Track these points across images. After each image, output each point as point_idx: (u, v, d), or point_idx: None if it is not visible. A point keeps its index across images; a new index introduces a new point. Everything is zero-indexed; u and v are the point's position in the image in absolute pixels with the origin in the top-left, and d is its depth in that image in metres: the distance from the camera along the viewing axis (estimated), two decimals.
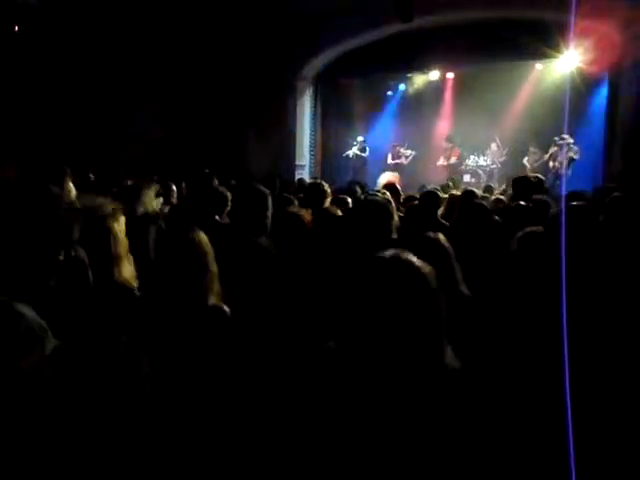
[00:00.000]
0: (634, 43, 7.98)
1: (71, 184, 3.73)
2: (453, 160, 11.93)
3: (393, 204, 3.05)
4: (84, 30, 9.25)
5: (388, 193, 4.20)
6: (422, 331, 1.20)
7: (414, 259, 1.28)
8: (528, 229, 2.29)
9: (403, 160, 12.14)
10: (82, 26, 9.20)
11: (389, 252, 1.28)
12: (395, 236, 2.84)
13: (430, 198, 3.68)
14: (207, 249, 1.86)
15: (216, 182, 4.86)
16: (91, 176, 6.33)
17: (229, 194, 3.78)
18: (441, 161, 12.04)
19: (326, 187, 3.90)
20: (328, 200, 4.02)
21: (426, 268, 1.27)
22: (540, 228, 2.28)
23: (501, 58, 9.91)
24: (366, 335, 1.20)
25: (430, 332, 1.22)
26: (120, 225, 2.15)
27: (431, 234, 2.18)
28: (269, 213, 2.54)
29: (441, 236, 2.17)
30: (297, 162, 11.31)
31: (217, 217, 3.75)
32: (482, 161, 12.13)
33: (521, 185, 3.99)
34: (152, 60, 9.98)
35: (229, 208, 3.76)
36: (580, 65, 9.28)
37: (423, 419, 1.18)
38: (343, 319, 1.26)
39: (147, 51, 9.86)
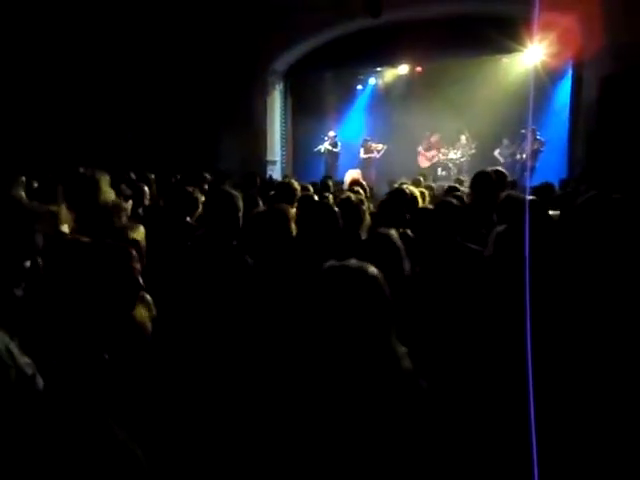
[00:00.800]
0: (594, 36, 8.19)
1: (22, 192, 3.62)
2: (434, 152, 12.23)
3: (365, 204, 3.08)
4: (52, 28, 9.01)
5: (361, 190, 4.23)
6: (373, 336, 1.27)
7: (364, 267, 1.33)
8: (498, 229, 2.33)
9: (375, 154, 12.23)
10: (49, 25, 8.95)
11: (342, 262, 1.35)
12: (364, 237, 2.89)
13: (397, 195, 3.71)
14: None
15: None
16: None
17: (200, 196, 3.77)
18: (420, 149, 12.35)
19: (296, 185, 3.91)
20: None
21: (374, 276, 1.33)
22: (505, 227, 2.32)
23: (468, 52, 10.05)
24: (321, 341, 1.26)
25: (381, 337, 1.29)
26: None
27: (382, 230, 2.23)
28: (240, 214, 2.55)
29: (392, 232, 2.23)
30: (268, 158, 11.26)
31: (188, 219, 3.74)
32: (452, 154, 12.30)
33: (480, 182, 3.93)
34: (119, 58, 9.79)
35: (200, 210, 3.75)
36: (544, 58, 9.48)
37: (378, 419, 1.22)
38: (302, 326, 1.30)
39: (114, 50, 9.67)
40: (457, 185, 6.19)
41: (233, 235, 2.48)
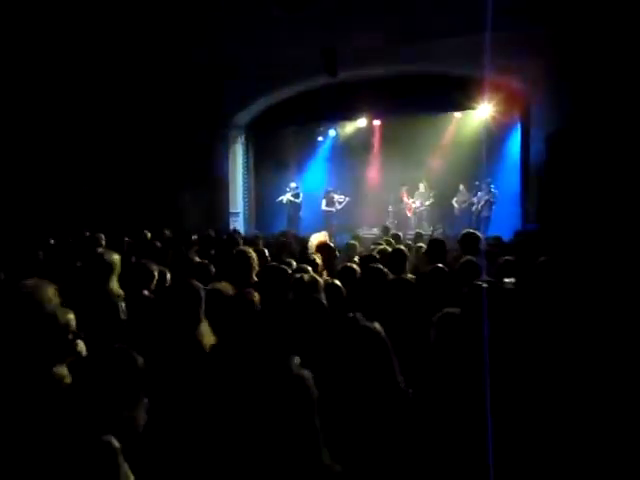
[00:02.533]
0: (541, 95, 8.72)
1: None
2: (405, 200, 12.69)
3: (321, 282, 3.06)
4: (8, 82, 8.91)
5: (318, 260, 4.23)
6: (299, 436, 1.37)
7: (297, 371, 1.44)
8: (445, 311, 2.36)
9: (337, 206, 12.42)
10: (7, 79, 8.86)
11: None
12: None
13: (346, 272, 3.76)
14: None
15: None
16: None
17: (154, 268, 3.69)
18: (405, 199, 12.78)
19: (252, 256, 3.87)
20: (254, 269, 3.99)
21: (305, 381, 1.42)
22: (456, 310, 2.36)
23: (423, 109, 10.50)
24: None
25: (307, 436, 1.38)
26: None
27: (368, 325, 2.13)
28: (203, 306, 2.51)
29: (377, 325, 2.13)
30: (231, 210, 11.26)
31: (145, 292, 3.64)
32: (411, 203, 12.62)
33: (435, 249, 4.15)
34: (78, 113, 9.73)
35: (155, 282, 3.67)
36: (494, 115, 9.97)
37: None
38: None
39: (72, 105, 9.62)
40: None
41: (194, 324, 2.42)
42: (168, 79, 10.14)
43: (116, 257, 3.46)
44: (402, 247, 4.75)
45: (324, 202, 12.45)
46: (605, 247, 4.53)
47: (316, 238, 5.53)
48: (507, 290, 3.29)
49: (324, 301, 2.66)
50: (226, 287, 3.04)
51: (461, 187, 12.06)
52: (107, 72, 9.60)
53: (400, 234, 7.44)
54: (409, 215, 12.68)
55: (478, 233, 4.93)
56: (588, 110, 7.61)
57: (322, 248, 4.82)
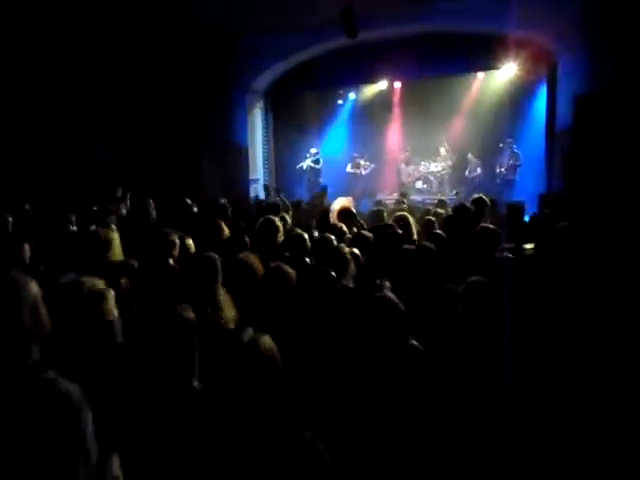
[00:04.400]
0: (568, 55, 8.36)
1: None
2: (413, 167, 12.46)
3: (348, 256, 3.03)
4: (29, 52, 8.92)
5: (344, 227, 4.19)
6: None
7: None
8: (471, 279, 2.36)
9: (362, 171, 12.34)
10: (27, 49, 8.86)
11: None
12: (352, 285, 2.89)
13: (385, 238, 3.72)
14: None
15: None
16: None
17: (176, 238, 3.75)
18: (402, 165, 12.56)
19: (278, 223, 3.90)
20: (280, 235, 4.04)
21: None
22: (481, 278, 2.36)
23: (445, 69, 10.18)
24: None
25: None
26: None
27: (382, 295, 2.19)
28: (220, 278, 2.55)
29: (391, 295, 2.19)
30: (251, 176, 11.27)
31: (170, 261, 3.70)
32: (433, 167, 12.43)
33: (460, 215, 4.06)
34: (98, 82, 9.72)
35: (177, 252, 3.73)
36: (519, 74, 9.64)
37: None
38: None
39: (92, 74, 9.60)
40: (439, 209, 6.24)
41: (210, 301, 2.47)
42: (185, 46, 10.01)
43: (113, 234, 3.51)
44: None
45: (349, 165, 12.38)
46: (628, 219, 4.43)
47: (339, 202, 5.42)
48: (527, 257, 3.28)
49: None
50: (254, 260, 3.04)
51: (469, 156, 11.80)
52: (125, 39, 9.51)
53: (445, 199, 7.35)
54: (407, 180, 12.44)
55: (485, 197, 4.90)
56: (624, 71, 7.16)
57: (344, 214, 4.73)
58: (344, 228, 4.19)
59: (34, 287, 1.51)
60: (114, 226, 4.64)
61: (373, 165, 12.39)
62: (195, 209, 5.71)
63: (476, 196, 4.92)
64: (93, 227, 4.08)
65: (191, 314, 1.88)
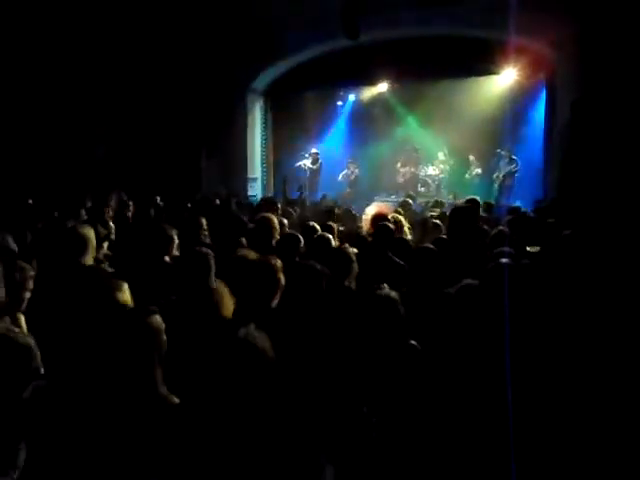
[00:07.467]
0: (566, 60, 8.41)
1: None
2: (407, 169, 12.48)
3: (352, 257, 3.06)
4: (27, 44, 8.89)
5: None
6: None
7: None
8: (464, 282, 2.37)
9: (352, 176, 12.41)
10: (25, 40, 8.84)
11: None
12: (354, 286, 2.91)
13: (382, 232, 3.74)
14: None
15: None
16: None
17: (174, 233, 3.75)
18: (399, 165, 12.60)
19: (275, 224, 3.92)
20: (277, 235, 4.05)
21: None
22: (475, 282, 2.37)
23: (444, 73, 10.22)
24: None
25: None
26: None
27: (383, 293, 2.21)
28: (212, 273, 2.55)
29: (393, 294, 2.21)
30: (249, 175, 11.26)
31: (166, 258, 3.70)
32: (431, 171, 12.46)
33: (458, 215, 4.09)
34: (97, 80, 9.71)
35: (175, 248, 3.73)
36: (519, 80, 9.68)
37: None
38: None
39: (91, 66, 9.59)
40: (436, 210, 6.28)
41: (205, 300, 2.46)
42: (185, 45, 10.01)
43: (89, 231, 3.34)
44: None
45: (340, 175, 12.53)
46: (627, 220, 4.46)
47: (375, 208, 5.25)
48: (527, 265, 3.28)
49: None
50: (250, 254, 3.07)
51: (471, 157, 11.85)
52: (124, 36, 9.50)
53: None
54: (399, 181, 12.50)
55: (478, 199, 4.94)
56: (618, 75, 7.29)
57: (377, 220, 4.37)
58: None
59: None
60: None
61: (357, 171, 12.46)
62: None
63: (470, 197, 4.98)
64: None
65: (156, 319, 1.79)
